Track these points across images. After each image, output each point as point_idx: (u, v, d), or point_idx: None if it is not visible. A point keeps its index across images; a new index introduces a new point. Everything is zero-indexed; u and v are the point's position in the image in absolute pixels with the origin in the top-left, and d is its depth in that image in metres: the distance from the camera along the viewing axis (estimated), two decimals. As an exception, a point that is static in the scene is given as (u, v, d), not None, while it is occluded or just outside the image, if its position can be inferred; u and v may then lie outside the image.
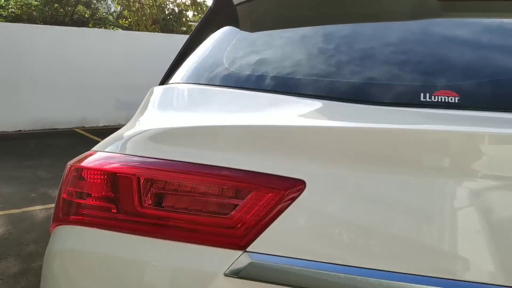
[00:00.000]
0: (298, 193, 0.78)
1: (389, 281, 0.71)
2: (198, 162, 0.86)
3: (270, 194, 0.79)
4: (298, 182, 0.79)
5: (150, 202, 0.87)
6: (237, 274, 0.77)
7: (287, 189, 0.78)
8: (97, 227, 0.91)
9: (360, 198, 0.76)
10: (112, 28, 13.28)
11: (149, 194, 0.87)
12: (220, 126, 0.94)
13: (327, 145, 0.81)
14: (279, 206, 0.78)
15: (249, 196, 0.80)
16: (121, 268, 0.86)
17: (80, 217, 0.94)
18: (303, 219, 0.78)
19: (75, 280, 0.91)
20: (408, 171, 0.76)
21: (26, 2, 12.12)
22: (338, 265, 0.74)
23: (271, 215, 0.78)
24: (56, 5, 11.93)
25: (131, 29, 13.89)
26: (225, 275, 0.77)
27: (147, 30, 14.03)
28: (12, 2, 12.19)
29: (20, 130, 9.33)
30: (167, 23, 15.15)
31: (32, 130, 9.39)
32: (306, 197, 0.78)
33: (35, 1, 12.32)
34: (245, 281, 0.77)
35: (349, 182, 0.78)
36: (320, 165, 0.80)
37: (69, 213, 0.96)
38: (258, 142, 0.85)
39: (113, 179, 0.90)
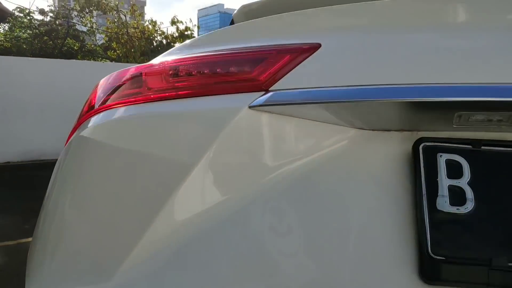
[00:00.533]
0: (316, 50, 0.89)
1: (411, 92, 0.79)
2: (222, 48, 0.98)
3: (289, 55, 0.90)
4: (315, 44, 0.90)
5: (177, 78, 0.97)
6: (261, 105, 0.86)
7: (305, 50, 0.89)
8: (127, 105, 1.00)
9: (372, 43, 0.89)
10: (101, 60, 13.44)
11: (176, 75, 0.97)
12: (238, 25, 1.10)
13: (341, 19, 0.98)
14: (298, 60, 0.89)
15: (270, 56, 0.91)
16: (153, 125, 0.94)
17: (108, 105, 1.03)
18: (320, 64, 0.88)
19: (110, 145, 0.98)
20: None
21: (15, 35, 12.27)
22: (355, 86, 0.83)
23: (290, 66, 0.89)
24: (45, 37, 12.09)
25: (120, 61, 14.08)
26: (249, 107, 0.86)
27: (136, 62, 14.22)
28: (1, 36, 12.32)
29: (9, 162, 9.31)
30: (156, 55, 15.37)
31: (21, 161, 9.37)
32: (323, 51, 0.89)
33: (25, 34, 12.47)
34: (269, 108, 0.87)
35: (363, 40, 0.91)
36: (336, 34, 0.93)
37: (97, 105, 1.07)
38: (278, 27, 1.00)
39: (141, 75, 1.02)
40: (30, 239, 4.83)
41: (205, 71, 0.95)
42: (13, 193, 6.77)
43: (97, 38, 16.01)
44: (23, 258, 4.06)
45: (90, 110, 1.09)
